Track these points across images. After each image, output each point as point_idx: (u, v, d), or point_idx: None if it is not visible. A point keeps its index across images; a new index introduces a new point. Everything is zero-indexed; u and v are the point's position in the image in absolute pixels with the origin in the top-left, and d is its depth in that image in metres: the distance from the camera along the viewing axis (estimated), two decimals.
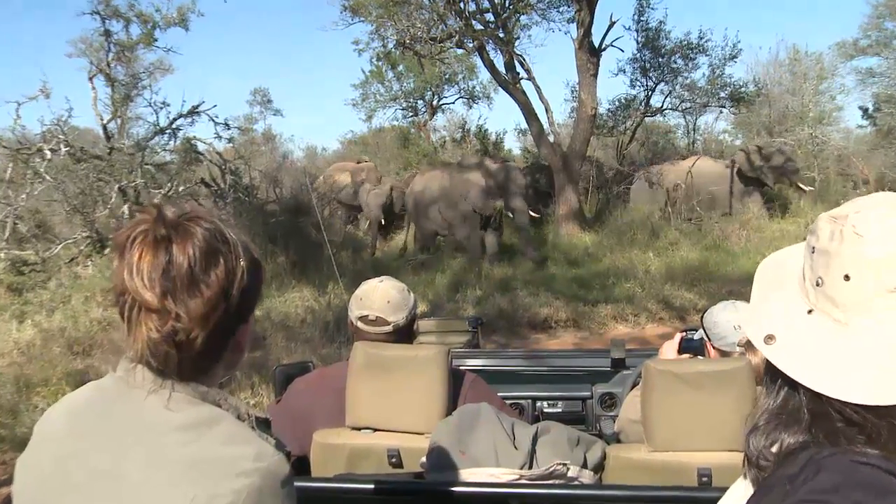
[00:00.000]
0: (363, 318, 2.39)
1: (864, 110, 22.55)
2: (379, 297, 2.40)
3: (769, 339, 0.88)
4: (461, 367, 2.84)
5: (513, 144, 26.70)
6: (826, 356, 0.83)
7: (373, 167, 16.91)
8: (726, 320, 2.37)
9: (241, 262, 1.07)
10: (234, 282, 1.05)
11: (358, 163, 17.44)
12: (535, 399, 3.19)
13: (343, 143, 28.50)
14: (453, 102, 25.22)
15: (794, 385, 0.85)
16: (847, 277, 0.83)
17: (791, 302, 0.90)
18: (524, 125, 17.67)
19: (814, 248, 0.88)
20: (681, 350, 2.55)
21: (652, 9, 17.17)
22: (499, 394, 2.59)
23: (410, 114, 24.97)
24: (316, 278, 10.41)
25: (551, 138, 14.89)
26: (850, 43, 21.33)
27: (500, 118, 74.60)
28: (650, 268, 11.16)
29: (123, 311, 1.03)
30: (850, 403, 0.80)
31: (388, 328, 2.37)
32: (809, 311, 0.87)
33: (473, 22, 14.03)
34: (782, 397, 0.88)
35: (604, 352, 3.29)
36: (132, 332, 1.03)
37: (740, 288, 10.34)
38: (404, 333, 2.41)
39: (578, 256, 12.27)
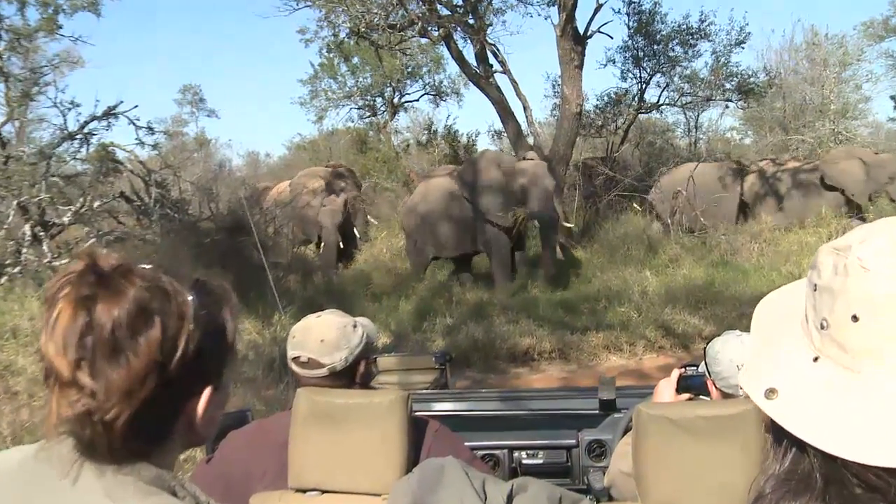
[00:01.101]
0: (295, 360, 2.39)
1: None
2: (313, 335, 2.39)
3: (770, 393, 0.86)
4: (425, 414, 2.82)
5: (488, 147, 26.87)
6: (838, 411, 0.81)
7: (352, 172, 16.85)
8: (728, 358, 2.36)
9: (188, 326, 1.02)
10: (173, 350, 1.00)
11: (334, 167, 17.14)
12: (511, 449, 3.19)
13: (290, 147, 28.56)
14: (417, 100, 25.39)
15: (803, 446, 0.84)
16: (855, 318, 0.81)
17: (794, 349, 0.88)
18: (499, 125, 17.83)
19: (816, 285, 0.87)
20: (679, 389, 2.55)
21: None
22: (470, 443, 2.59)
23: (368, 113, 25.06)
24: (259, 307, 10.35)
25: (531, 140, 15.00)
26: (880, 22, 21.58)
27: (472, 117, 74.96)
28: (647, 288, 11.23)
29: (46, 378, 0.99)
30: (872, 466, 0.78)
31: (323, 371, 2.35)
32: (815, 359, 0.85)
33: (438, 6, 14.13)
34: (790, 460, 0.87)
35: (591, 391, 3.30)
36: (48, 404, 0.99)
37: (753, 311, 10.45)
38: (345, 377, 2.39)
39: (564, 276, 12.32)
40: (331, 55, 23.00)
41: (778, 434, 0.87)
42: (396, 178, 21.96)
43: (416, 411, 3.08)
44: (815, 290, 0.87)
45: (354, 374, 2.42)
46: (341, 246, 14.44)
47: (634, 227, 13.86)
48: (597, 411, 3.22)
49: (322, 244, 14.78)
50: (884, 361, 0.80)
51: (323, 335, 2.38)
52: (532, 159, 12.13)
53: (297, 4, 14.70)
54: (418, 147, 24.83)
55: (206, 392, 1.08)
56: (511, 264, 12.36)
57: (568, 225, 13.09)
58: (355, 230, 15.28)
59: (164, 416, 1.04)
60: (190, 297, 1.04)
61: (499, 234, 11.98)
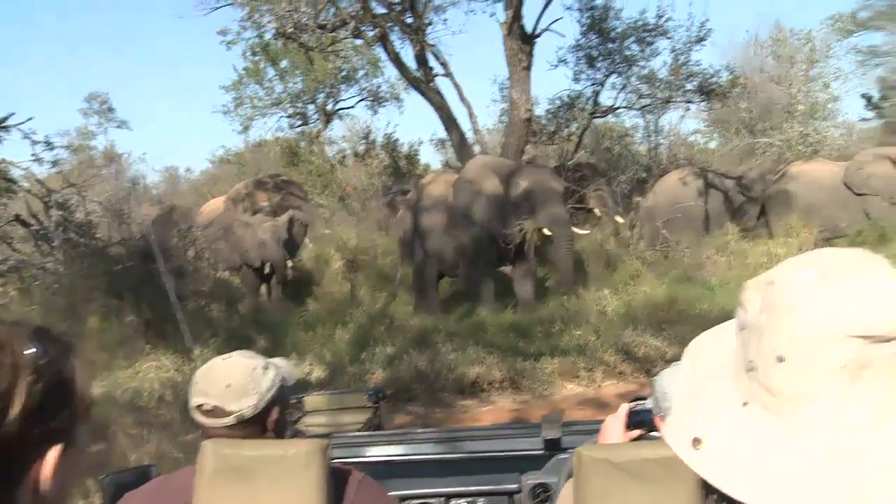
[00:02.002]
0: (199, 408, 2.33)
1: (868, 99, 23.20)
2: (218, 380, 2.34)
3: (696, 443, 0.87)
4: (353, 460, 2.79)
5: (431, 157, 26.92)
6: (766, 461, 0.82)
7: (298, 186, 16.63)
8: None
9: (25, 379, 0.98)
10: (5, 407, 0.96)
11: (280, 179, 16.85)
12: (448, 496, 3.17)
13: (214, 161, 28.21)
14: (353, 106, 25.15)
15: (733, 500, 0.84)
16: (781, 359, 0.82)
17: (723, 394, 0.89)
18: (442, 132, 17.76)
19: (743, 323, 0.88)
20: (630, 425, 2.54)
21: None
22: (402, 491, 2.56)
23: (299, 122, 24.83)
24: (177, 342, 10.22)
25: (476, 148, 15.04)
26: (848, 16, 22.02)
27: (414, 125, 74.55)
28: (606, 308, 11.31)
29: None
30: None
31: (229, 420, 2.30)
32: (744, 405, 0.86)
33: (373, 4, 14.14)
34: None
35: (536, 429, 3.29)
36: None
37: None
38: (256, 425, 2.35)
39: (516, 298, 12.34)
40: (256, 59, 22.77)
41: (707, 485, 0.87)
42: (332, 193, 21.90)
43: (343, 458, 3.06)
44: (743, 329, 0.88)
45: (266, 422, 2.38)
46: (290, 265, 14.16)
47: (591, 242, 13.93)
48: (541, 451, 3.21)
49: (264, 266, 14.11)
50: (815, 405, 0.80)
51: (229, 379, 2.33)
52: (532, 163, 12.08)
53: (217, 2, 14.58)
54: (355, 158, 24.75)
55: (54, 453, 1.03)
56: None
57: (582, 232, 12.89)
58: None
59: (2, 484, 0.99)
60: (29, 348, 1.00)
61: (490, 248, 11.91)
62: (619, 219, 12.95)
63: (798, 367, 0.80)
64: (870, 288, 0.80)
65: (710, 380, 0.93)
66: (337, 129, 25.63)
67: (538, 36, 14.16)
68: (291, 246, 14.34)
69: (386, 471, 2.56)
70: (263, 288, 14.42)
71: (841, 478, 0.78)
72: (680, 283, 12.43)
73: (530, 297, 11.94)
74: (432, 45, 14.61)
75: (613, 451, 2.10)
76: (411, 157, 24.70)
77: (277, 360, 2.56)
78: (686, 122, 24.65)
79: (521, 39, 13.79)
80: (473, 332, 10.68)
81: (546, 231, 11.54)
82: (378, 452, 3.34)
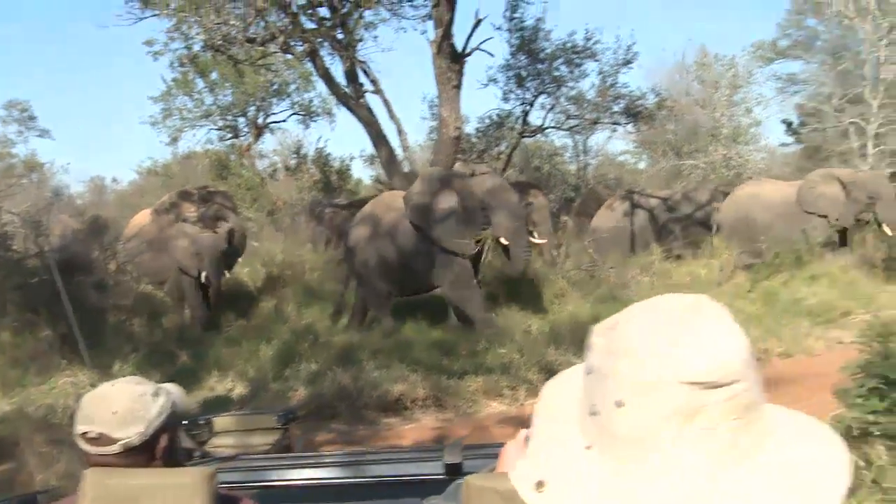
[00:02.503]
0: (84, 436, 2.26)
1: (788, 124, 23.88)
2: (104, 406, 2.27)
3: (539, 486, 0.87)
4: (256, 484, 2.73)
5: (363, 172, 26.85)
6: (609, 501, 0.82)
7: (227, 196, 16.30)
8: None
9: None
10: None
11: (206, 190, 16.54)
12: None
13: (141, 172, 27.74)
14: (285, 120, 25.08)
15: None
16: (621, 404, 0.83)
17: (568, 437, 0.89)
18: (371, 149, 17.71)
19: (589, 367, 0.89)
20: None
21: (527, 3, 17.61)
22: None
23: (229, 135, 24.62)
24: (97, 356, 10.01)
25: (405, 166, 15.01)
26: (768, 44, 22.66)
27: (346, 140, 74.24)
28: (531, 327, 11.35)
29: None
30: None
31: (115, 448, 2.23)
32: (588, 448, 0.87)
33: (303, 19, 14.04)
34: None
35: (436, 452, 3.26)
36: None
37: None
38: (143, 453, 2.28)
39: (442, 315, 12.31)
40: (185, 69, 22.41)
41: None
42: (261, 207, 21.69)
43: (242, 482, 3.00)
44: (589, 372, 0.89)
45: (154, 450, 2.31)
46: (226, 275, 13.76)
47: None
48: (442, 476, 3.18)
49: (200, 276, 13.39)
50: (650, 450, 0.81)
51: (116, 406, 2.26)
52: (485, 173, 11.67)
53: (143, 12, 14.27)
54: (286, 172, 24.58)
55: None
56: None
57: (539, 241, 12.84)
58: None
59: None
60: None
61: (461, 264, 11.53)
62: (534, 239, 12.88)
63: (635, 413, 0.82)
64: (702, 337, 0.83)
65: (557, 422, 0.93)
66: (268, 142, 25.44)
67: (468, 55, 14.15)
68: (231, 258, 13.95)
69: (285, 495, 2.50)
70: (192, 303, 13.90)
71: None
72: (604, 303, 12.50)
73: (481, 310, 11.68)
74: (362, 62, 14.57)
75: (500, 479, 2.08)
76: (343, 172, 24.59)
77: (169, 386, 2.49)
78: (614, 142, 25.07)
79: (451, 58, 13.77)
80: (398, 349, 10.61)
81: (503, 241, 11.37)
82: (279, 476, 3.28)
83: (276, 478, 3.27)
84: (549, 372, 9.86)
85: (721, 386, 0.80)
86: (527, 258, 11.80)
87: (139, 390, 2.32)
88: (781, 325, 11.68)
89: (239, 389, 9.92)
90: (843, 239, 14.73)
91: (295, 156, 24.93)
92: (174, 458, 2.41)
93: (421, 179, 12.10)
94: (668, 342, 0.82)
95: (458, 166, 13.84)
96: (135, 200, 23.79)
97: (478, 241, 11.31)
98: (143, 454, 2.27)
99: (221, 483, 2.29)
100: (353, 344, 11.07)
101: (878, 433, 5.03)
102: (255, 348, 11.20)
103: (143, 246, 15.04)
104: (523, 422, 7.65)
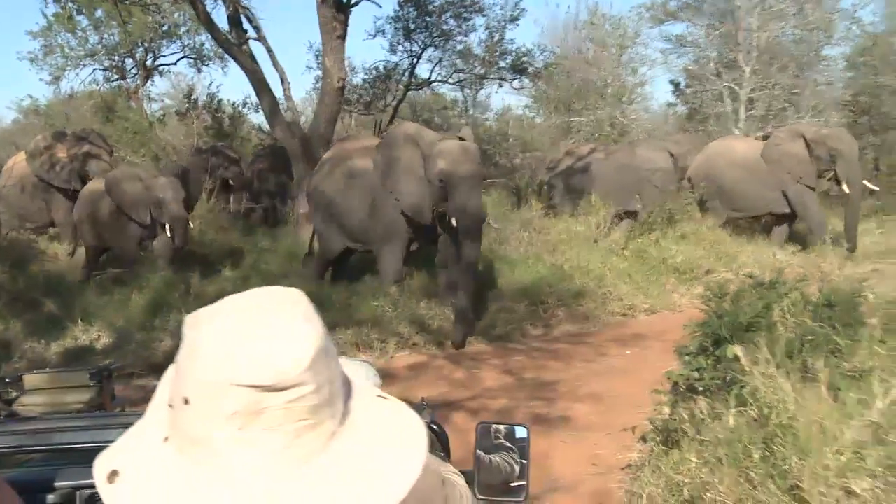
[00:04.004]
0: None
1: (676, 85, 24.32)
2: None
3: (112, 475, 0.86)
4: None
5: (259, 119, 26.27)
6: (174, 498, 0.83)
7: (102, 136, 15.73)
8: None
9: None
10: None
11: (80, 130, 15.82)
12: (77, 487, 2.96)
13: (20, 111, 26.60)
14: (175, 63, 24.25)
15: None
16: (187, 401, 0.84)
17: (151, 427, 0.90)
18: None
19: (177, 358, 0.89)
20: None
21: None
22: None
23: (116, 76, 23.70)
24: None
25: (288, 115, 14.76)
26: (660, 4, 22.92)
27: (240, 84, 72.58)
28: (408, 282, 11.34)
29: None
30: None
31: None
32: (165, 440, 0.87)
33: None
34: None
35: None
36: None
37: (513, 304, 10.84)
38: None
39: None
40: (70, 5, 21.32)
41: None
42: (149, 152, 21.07)
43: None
44: (175, 363, 0.89)
45: None
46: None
47: None
48: None
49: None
50: (211, 448, 0.83)
51: None
52: (463, 138, 10.19)
53: None
54: (177, 117, 23.92)
55: None
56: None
57: (494, 226, 12.15)
58: None
59: None
60: None
61: (396, 221, 10.50)
62: None
63: (199, 411, 0.82)
64: (266, 341, 0.84)
65: (150, 411, 0.94)
66: (160, 85, 24.59)
67: (354, 5, 13.93)
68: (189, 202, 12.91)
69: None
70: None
71: None
72: (483, 258, 12.54)
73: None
74: (246, 8, 14.17)
75: None
76: (236, 118, 23.98)
77: None
78: (507, 97, 25.15)
79: (336, 8, 13.53)
80: None
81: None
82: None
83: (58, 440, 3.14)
84: (421, 325, 9.95)
85: (281, 390, 0.81)
86: (475, 243, 10.19)
87: None
88: (650, 282, 11.99)
89: (104, 340, 9.69)
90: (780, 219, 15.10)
91: (186, 101, 24.20)
92: None
93: (391, 132, 11.13)
94: (232, 343, 0.83)
95: (349, 119, 13.66)
96: (18, 139, 22.96)
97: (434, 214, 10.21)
98: None
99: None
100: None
101: (702, 389, 5.24)
102: (126, 297, 10.94)
103: (17, 188, 14.61)
104: (390, 373, 7.69)
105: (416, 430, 0.93)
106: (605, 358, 9.30)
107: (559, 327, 10.70)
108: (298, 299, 0.92)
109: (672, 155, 15.69)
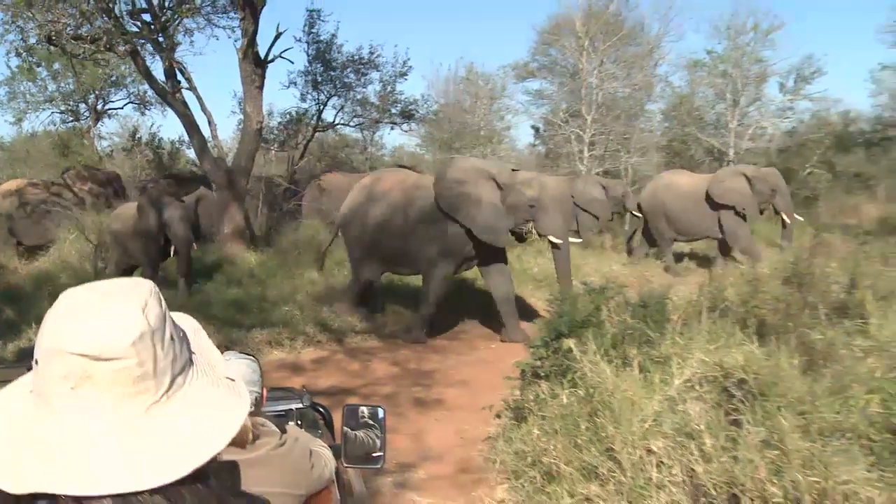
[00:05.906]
0: None
1: (536, 129, 24.93)
2: None
3: None
4: None
5: (192, 154, 25.70)
6: (16, 427, 0.85)
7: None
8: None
9: None
10: None
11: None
12: None
13: None
14: (122, 108, 23.57)
15: None
16: (37, 362, 0.86)
17: (27, 380, 0.91)
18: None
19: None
20: None
21: (323, 21, 17.66)
22: None
23: (71, 118, 22.84)
24: None
25: (214, 152, 14.46)
26: (522, 65, 23.51)
27: (177, 126, 71.68)
28: (314, 289, 11.21)
29: None
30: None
31: None
32: (31, 392, 0.88)
33: (128, 22, 13.16)
34: None
35: None
36: None
37: (402, 308, 10.81)
38: None
39: (241, 278, 11.97)
40: (31, 59, 20.55)
41: None
42: None
43: None
44: None
45: None
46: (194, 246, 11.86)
47: (305, 234, 13.84)
48: None
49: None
50: (52, 406, 0.84)
51: None
52: (516, 169, 9.85)
53: None
54: (123, 152, 23.26)
55: None
56: None
57: (576, 241, 11.18)
58: None
59: None
60: None
61: (454, 246, 9.65)
62: None
63: (42, 371, 0.85)
64: (95, 319, 0.85)
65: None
66: (109, 125, 23.85)
67: (271, 61, 13.77)
68: (197, 230, 12.18)
69: None
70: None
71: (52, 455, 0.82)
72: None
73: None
74: (179, 62, 13.79)
75: None
76: (174, 154, 23.46)
77: None
78: (398, 137, 25.38)
79: (255, 63, 13.36)
80: (201, 308, 10.18)
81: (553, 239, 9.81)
82: None
83: None
84: (324, 326, 9.84)
85: (106, 360, 0.83)
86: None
87: None
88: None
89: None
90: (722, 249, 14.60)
91: (131, 139, 23.53)
92: None
93: (449, 166, 10.04)
94: (71, 318, 0.85)
95: (269, 155, 13.47)
96: None
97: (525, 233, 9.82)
98: None
99: None
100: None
101: (543, 374, 5.33)
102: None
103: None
104: (298, 366, 7.54)
105: (235, 409, 0.93)
106: (475, 351, 9.35)
107: (439, 326, 10.72)
108: (141, 290, 0.90)
109: (604, 188, 15.50)
